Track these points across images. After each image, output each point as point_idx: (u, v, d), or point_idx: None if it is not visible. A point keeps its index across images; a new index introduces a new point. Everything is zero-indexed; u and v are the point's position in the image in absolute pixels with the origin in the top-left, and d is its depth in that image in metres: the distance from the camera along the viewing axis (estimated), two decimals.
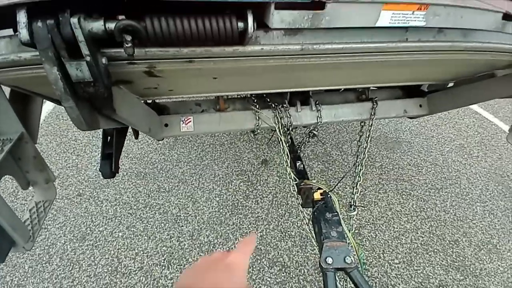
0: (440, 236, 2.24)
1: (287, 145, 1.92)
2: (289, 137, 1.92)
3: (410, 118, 2.08)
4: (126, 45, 0.73)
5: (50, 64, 0.70)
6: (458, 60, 1.26)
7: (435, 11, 0.82)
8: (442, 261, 2.09)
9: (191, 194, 2.40)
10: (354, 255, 1.27)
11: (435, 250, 2.15)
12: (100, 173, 1.51)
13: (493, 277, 2.04)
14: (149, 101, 1.67)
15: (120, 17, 0.72)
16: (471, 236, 2.28)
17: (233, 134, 3.05)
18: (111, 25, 0.70)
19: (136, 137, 1.65)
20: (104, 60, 0.78)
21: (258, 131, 1.76)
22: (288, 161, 1.75)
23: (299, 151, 2.14)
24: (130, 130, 1.67)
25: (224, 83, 1.34)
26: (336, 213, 1.37)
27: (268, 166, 2.74)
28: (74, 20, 0.66)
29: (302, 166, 1.89)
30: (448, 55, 1.13)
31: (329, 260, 1.19)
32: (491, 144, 3.23)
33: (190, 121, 1.66)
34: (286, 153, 1.76)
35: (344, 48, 0.94)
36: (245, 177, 2.60)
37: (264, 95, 1.76)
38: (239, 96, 1.89)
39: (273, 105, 1.74)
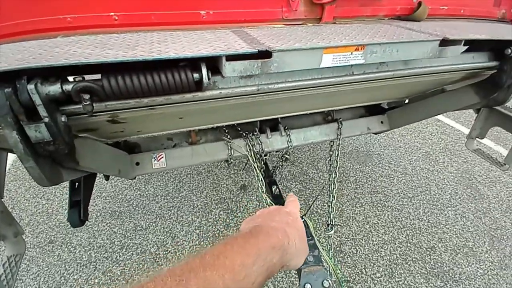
0: (417, 245, 2.32)
1: (262, 170, 1.96)
2: (263, 163, 1.97)
3: (374, 134, 2.21)
4: (85, 103, 0.75)
5: (10, 129, 0.71)
6: (405, 84, 1.38)
7: (371, 50, 0.91)
8: (422, 269, 2.15)
9: (170, 229, 2.35)
10: (331, 278, 1.30)
11: (414, 259, 2.21)
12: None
13: (473, 280, 2.10)
14: (120, 141, 1.67)
15: (78, 78, 0.75)
16: (446, 241, 2.38)
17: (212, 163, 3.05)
18: (68, 87, 0.73)
19: (107, 179, 1.63)
20: (63, 118, 0.79)
21: (232, 160, 1.80)
22: (263, 187, 1.79)
23: (274, 175, 2.18)
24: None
25: (190, 121, 1.38)
26: (310, 237, 1.40)
27: (247, 191, 2.76)
28: (31, 86, 0.68)
29: (278, 190, 1.93)
30: (394, 81, 1.24)
31: (308, 286, 1.21)
32: (455, 149, 3.44)
33: (162, 157, 1.67)
34: (260, 179, 1.80)
35: (297, 85, 1.02)
36: (225, 205, 2.59)
37: (235, 125, 1.81)
38: (210, 128, 1.93)
39: (244, 133, 1.79)
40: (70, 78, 0.79)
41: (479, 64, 1.33)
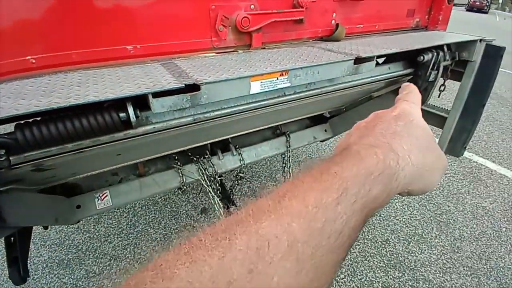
0: (372, 240, 2.47)
1: (218, 192, 1.95)
2: (218, 184, 1.96)
3: (321, 141, 2.34)
4: (0, 159, 0.69)
5: None
6: (334, 97, 1.51)
7: (295, 73, 0.98)
8: (380, 263, 2.28)
9: (127, 270, 2.18)
10: None
11: (372, 254, 2.34)
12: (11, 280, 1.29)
13: (428, 266, 2.24)
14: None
15: None
16: (398, 232, 2.56)
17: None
18: None
19: (46, 228, 1.48)
20: None
21: (184, 187, 1.76)
22: (221, 210, 1.77)
23: (231, 194, 2.18)
24: None
25: (131, 155, 1.33)
26: None
27: (209, 214, 2.70)
28: None
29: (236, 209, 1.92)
30: (323, 96, 1.35)
31: None
32: None
33: (106, 196, 1.57)
34: (216, 202, 1.79)
35: (233, 111, 1.05)
36: (186, 233, 2.50)
37: (185, 150, 1.79)
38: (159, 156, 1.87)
39: (195, 158, 1.77)
40: None
41: (396, 73, 1.51)
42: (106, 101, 0.72)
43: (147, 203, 2.81)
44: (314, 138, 2.22)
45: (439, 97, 1.83)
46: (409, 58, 1.56)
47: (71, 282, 2.12)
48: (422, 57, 1.47)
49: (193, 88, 0.83)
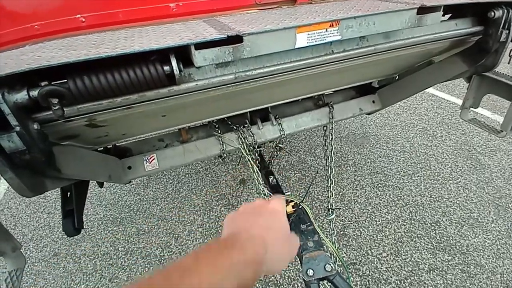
0: (421, 221, 2.31)
1: (257, 162, 1.95)
2: (257, 154, 1.95)
3: (367, 114, 2.18)
4: (54, 108, 0.73)
5: None
6: (390, 58, 1.35)
7: (347, 24, 0.88)
8: (428, 245, 2.14)
9: (172, 230, 2.35)
10: (334, 261, 1.29)
11: (419, 235, 2.20)
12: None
13: (481, 251, 2.08)
14: (109, 146, 1.65)
15: (44, 82, 0.73)
16: (451, 214, 2.36)
17: (207, 160, 3.04)
18: (35, 93, 0.71)
19: (101, 186, 1.62)
20: (35, 126, 0.77)
21: (225, 155, 1.78)
22: (260, 179, 1.77)
23: (270, 166, 2.16)
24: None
25: (175, 118, 1.36)
26: (309, 223, 1.39)
27: (247, 185, 2.75)
28: None
29: (275, 180, 1.91)
30: (377, 56, 1.21)
31: (310, 272, 1.20)
32: (452, 122, 3.41)
33: (154, 159, 1.65)
34: (255, 171, 1.78)
35: (276, 70, 0.99)
36: (225, 201, 2.58)
37: (226, 119, 1.79)
38: (201, 124, 1.91)
39: (235, 127, 1.77)
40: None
41: (463, 30, 1.30)
42: (151, 52, 0.72)
43: (190, 171, 2.94)
44: (360, 110, 2.07)
45: (509, 63, 1.57)
46: (477, 14, 1.33)
47: (123, 238, 2.34)
48: (493, 13, 1.25)
49: (235, 41, 0.79)
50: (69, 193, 1.39)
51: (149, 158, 1.63)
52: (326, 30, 0.86)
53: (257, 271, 0.45)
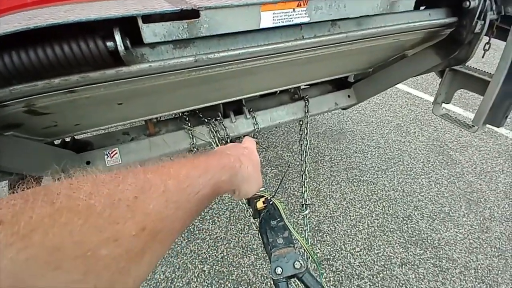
0: (393, 215, 2.33)
1: None
2: None
3: (343, 109, 2.16)
4: None
5: None
6: (363, 49, 1.32)
7: (316, 5, 0.82)
8: (400, 239, 2.16)
9: None
10: (304, 258, 1.24)
11: (391, 230, 2.22)
12: None
13: (453, 245, 2.11)
14: (67, 140, 1.51)
15: None
16: (422, 208, 2.40)
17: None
18: None
19: None
20: None
21: (195, 149, 1.68)
22: None
23: None
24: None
25: (136, 107, 1.25)
26: (279, 219, 1.33)
27: None
28: None
29: None
30: (349, 45, 1.17)
31: (279, 270, 1.12)
32: (425, 119, 3.49)
33: (116, 153, 1.53)
34: None
35: (241, 54, 0.91)
36: None
37: (197, 111, 1.70)
38: (170, 117, 1.80)
39: (206, 119, 1.68)
40: None
41: (437, 21, 1.29)
42: (89, 22, 0.62)
43: None
44: (336, 104, 2.04)
45: (483, 57, 1.59)
46: (451, 5, 1.33)
47: None
48: (468, 2, 1.24)
49: (192, 15, 0.70)
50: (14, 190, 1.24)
51: (110, 152, 1.51)
52: (294, 10, 0.80)
53: (232, 178, 0.48)
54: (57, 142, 1.45)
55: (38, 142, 1.15)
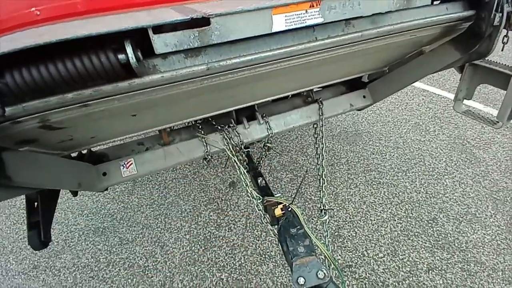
0: (417, 218, 2.23)
1: (245, 163, 1.85)
2: (244, 155, 1.85)
3: (358, 110, 2.10)
4: None
5: None
6: (378, 47, 1.27)
7: (329, 5, 0.79)
8: (425, 243, 2.06)
9: (158, 238, 2.23)
10: (327, 267, 1.19)
11: (416, 234, 2.12)
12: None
13: (481, 247, 2.01)
14: (84, 152, 1.53)
15: None
16: (448, 210, 2.29)
17: (195, 163, 2.93)
18: None
19: (74, 195, 1.49)
20: None
21: (210, 157, 1.67)
22: (247, 181, 1.67)
23: (259, 167, 2.06)
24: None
25: (149, 117, 1.25)
26: (299, 227, 1.29)
27: (237, 188, 2.64)
28: None
29: (264, 182, 1.81)
30: (364, 44, 1.13)
31: (301, 281, 1.09)
32: (445, 116, 3.36)
33: (131, 164, 1.53)
34: (242, 172, 1.68)
35: (254, 59, 0.89)
36: (214, 205, 2.47)
37: (210, 119, 1.69)
38: (183, 126, 1.80)
39: (219, 127, 1.67)
40: None
41: (454, 15, 1.22)
42: (100, 36, 0.61)
43: (177, 176, 2.82)
44: (351, 105, 1.99)
45: (502, 50, 1.51)
46: None
47: (106, 248, 2.21)
48: None
49: (202, 23, 0.69)
50: (36, 203, 1.26)
51: (126, 163, 1.52)
52: (306, 11, 0.77)
53: None
54: (73, 154, 1.47)
55: (54, 156, 1.16)
